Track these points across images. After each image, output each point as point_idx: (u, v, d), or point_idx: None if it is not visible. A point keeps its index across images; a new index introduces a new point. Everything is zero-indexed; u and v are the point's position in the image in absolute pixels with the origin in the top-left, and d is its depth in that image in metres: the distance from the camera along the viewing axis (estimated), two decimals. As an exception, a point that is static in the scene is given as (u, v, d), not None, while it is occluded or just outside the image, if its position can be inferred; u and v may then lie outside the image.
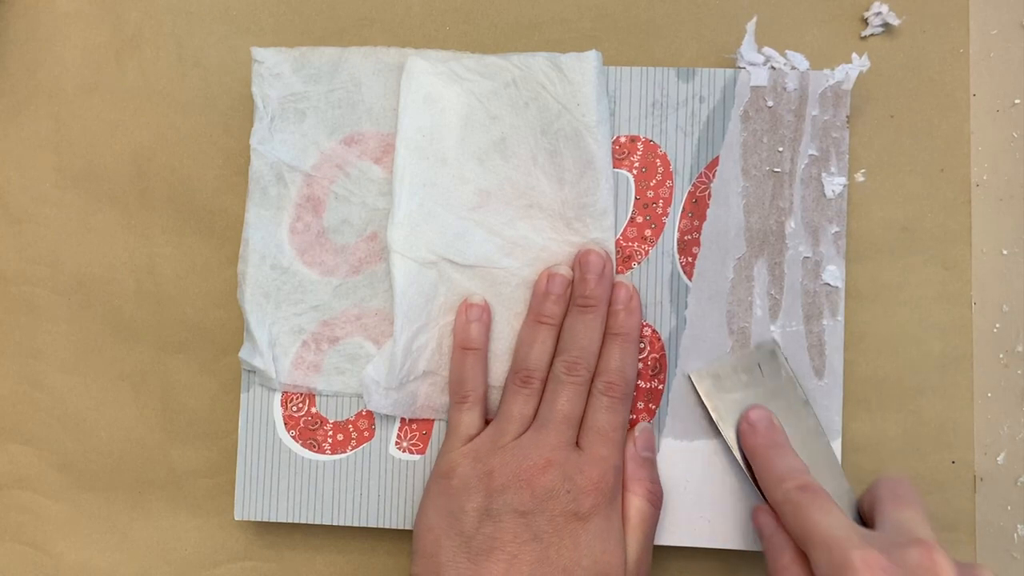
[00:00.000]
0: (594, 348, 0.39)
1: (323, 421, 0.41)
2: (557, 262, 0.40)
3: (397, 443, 0.41)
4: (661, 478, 0.40)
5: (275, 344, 0.41)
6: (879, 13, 0.41)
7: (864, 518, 0.37)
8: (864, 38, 0.42)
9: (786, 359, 0.39)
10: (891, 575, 0.31)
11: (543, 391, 0.39)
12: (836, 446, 0.39)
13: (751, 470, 0.38)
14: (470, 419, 0.39)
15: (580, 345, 0.38)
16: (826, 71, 0.40)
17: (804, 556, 0.35)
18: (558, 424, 0.37)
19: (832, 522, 0.34)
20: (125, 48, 0.44)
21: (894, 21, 0.41)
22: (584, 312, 0.39)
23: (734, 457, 0.39)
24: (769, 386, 0.39)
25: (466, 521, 0.36)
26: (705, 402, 0.39)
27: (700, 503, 0.40)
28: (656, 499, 0.39)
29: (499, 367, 0.40)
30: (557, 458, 0.36)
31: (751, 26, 0.41)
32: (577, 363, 0.38)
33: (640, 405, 0.40)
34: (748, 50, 0.41)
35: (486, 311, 0.40)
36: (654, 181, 0.41)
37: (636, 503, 0.38)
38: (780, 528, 0.36)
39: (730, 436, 0.39)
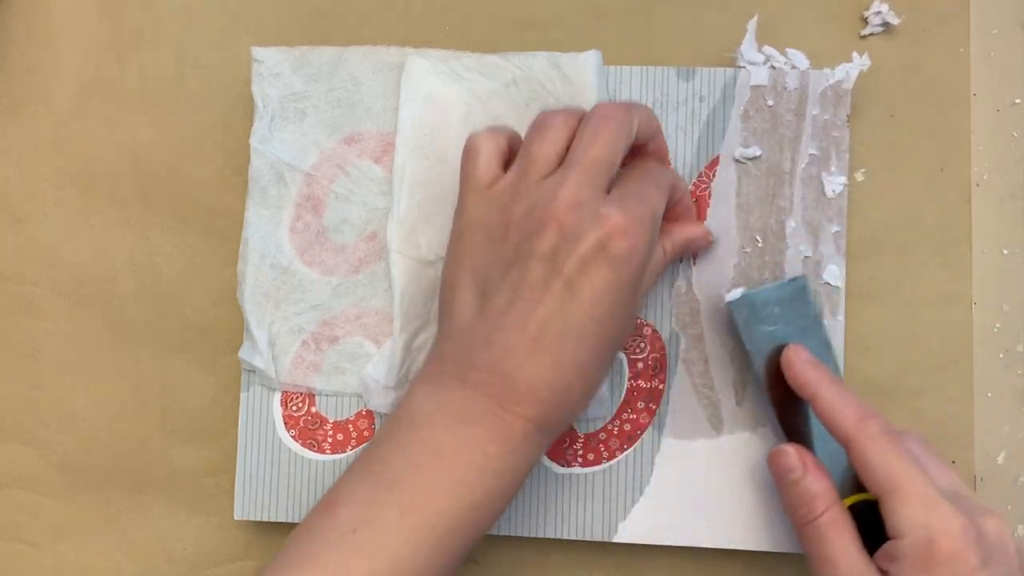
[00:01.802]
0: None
1: (323, 421, 0.41)
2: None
3: (397, 443, 0.41)
4: (661, 478, 0.40)
5: (275, 343, 0.41)
6: (879, 12, 0.41)
7: None
8: (864, 37, 0.42)
9: (815, 296, 0.39)
10: (980, 546, 0.31)
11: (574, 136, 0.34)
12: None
13: (780, 406, 0.37)
14: (486, 167, 0.35)
15: (614, 103, 0.35)
16: (826, 70, 0.40)
17: (840, 504, 0.34)
18: (586, 164, 0.33)
19: (922, 478, 0.32)
20: (125, 48, 0.44)
21: (894, 20, 0.41)
22: None
23: (733, 456, 0.39)
24: (799, 323, 0.38)
25: (491, 277, 0.33)
26: (741, 331, 0.38)
27: (700, 503, 0.40)
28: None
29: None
30: (586, 199, 0.32)
31: (751, 25, 0.41)
32: (613, 108, 0.34)
33: (640, 405, 0.40)
34: (748, 49, 0.41)
35: None
36: (654, 180, 0.41)
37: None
38: (816, 472, 0.34)
39: (760, 369, 0.38)
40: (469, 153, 0.35)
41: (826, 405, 0.35)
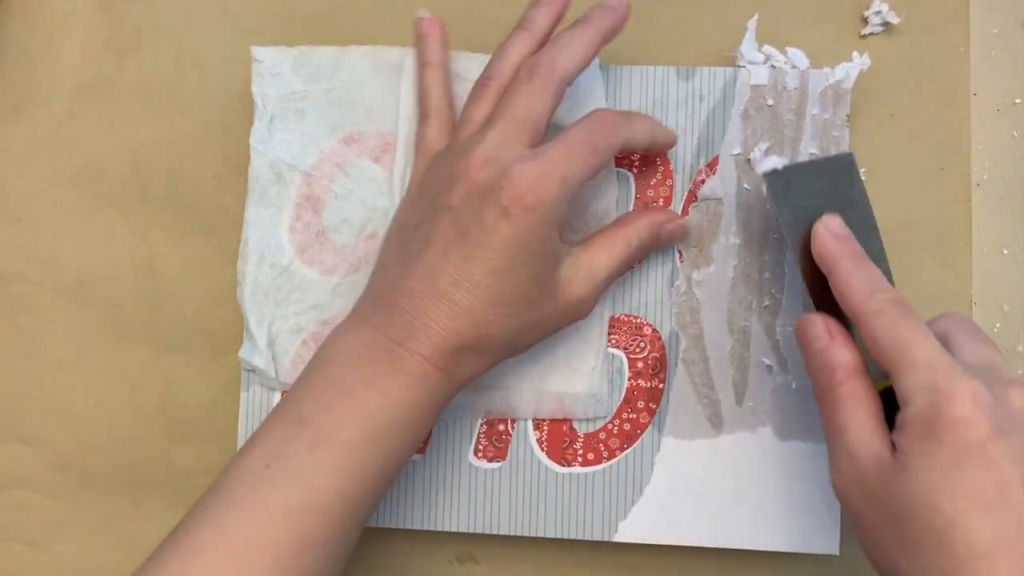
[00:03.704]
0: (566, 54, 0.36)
1: (323, 420, 0.41)
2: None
3: (397, 442, 0.41)
4: (661, 478, 0.40)
5: (275, 343, 0.41)
6: (879, 12, 0.41)
7: None
8: (864, 37, 0.42)
9: (860, 174, 0.37)
10: (996, 414, 0.29)
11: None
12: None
13: (814, 284, 0.35)
14: (434, 135, 0.39)
15: (548, 52, 0.36)
16: (826, 70, 0.40)
17: (865, 375, 0.33)
18: (507, 121, 0.35)
19: (932, 344, 0.31)
20: (125, 48, 0.44)
21: (894, 20, 0.41)
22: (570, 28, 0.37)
23: (733, 456, 0.39)
24: (841, 200, 0.36)
25: (408, 228, 0.36)
26: (773, 205, 0.36)
27: (700, 503, 0.40)
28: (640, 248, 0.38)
29: (501, 368, 0.40)
30: (499, 156, 0.34)
31: (752, 24, 0.41)
32: (538, 65, 0.35)
33: (640, 405, 0.40)
34: (748, 49, 0.41)
35: (437, 24, 0.40)
36: (654, 180, 0.41)
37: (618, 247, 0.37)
38: (841, 340, 0.33)
39: (794, 245, 0.36)
40: (423, 121, 0.39)
41: (838, 280, 0.34)
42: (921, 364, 0.30)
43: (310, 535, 0.32)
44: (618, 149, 0.36)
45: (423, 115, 0.39)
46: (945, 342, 0.33)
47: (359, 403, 0.33)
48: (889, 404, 0.32)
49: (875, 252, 0.36)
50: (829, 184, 0.36)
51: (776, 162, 0.37)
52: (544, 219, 0.34)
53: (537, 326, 0.36)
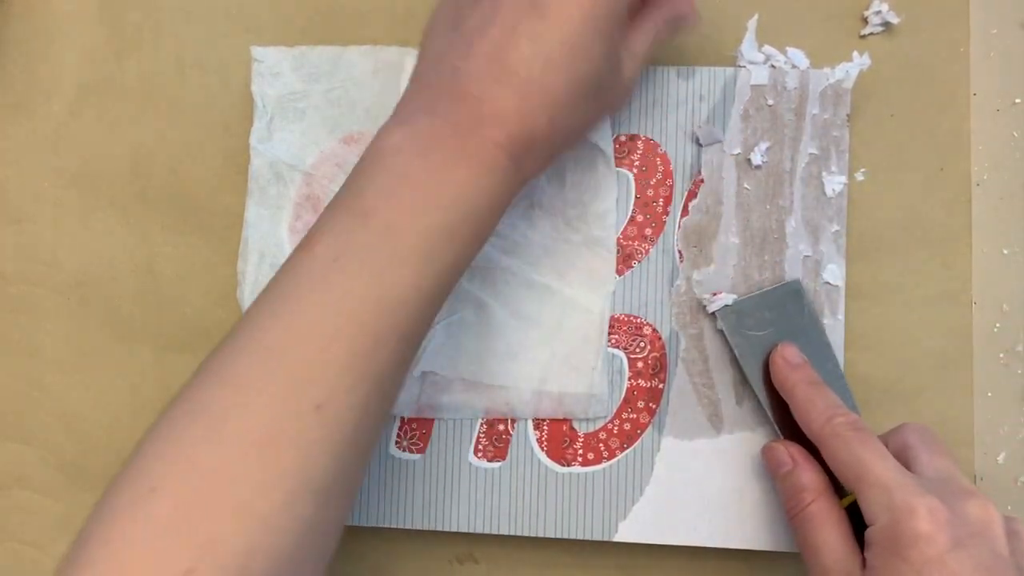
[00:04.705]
0: None
1: (323, 420, 0.41)
2: (556, 262, 0.40)
3: (397, 442, 0.41)
4: (661, 478, 0.40)
5: (275, 343, 0.41)
6: (879, 12, 0.41)
7: None
8: (864, 37, 0.42)
9: (810, 299, 0.39)
10: (954, 527, 0.31)
11: None
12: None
13: (776, 407, 0.38)
14: None
15: None
16: (826, 69, 0.40)
17: (830, 495, 0.35)
18: None
19: (889, 465, 0.33)
20: (125, 48, 0.44)
21: (894, 20, 0.41)
22: None
23: (733, 455, 0.39)
24: (793, 325, 0.39)
25: (464, 5, 0.33)
26: (728, 339, 0.39)
27: (700, 503, 0.40)
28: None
29: (501, 368, 0.40)
30: None
31: (752, 24, 0.41)
32: None
33: (640, 404, 0.40)
34: (748, 48, 0.41)
35: None
36: (654, 180, 0.41)
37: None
38: (804, 465, 0.35)
39: (753, 374, 0.39)
40: None
41: (797, 407, 0.36)
42: (879, 484, 0.32)
43: (385, 329, 0.29)
44: None
45: None
46: (904, 453, 0.35)
47: (430, 193, 0.30)
48: (859, 517, 0.34)
49: (831, 372, 0.38)
50: (779, 313, 0.39)
51: (726, 299, 0.39)
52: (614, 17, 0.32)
53: (597, 114, 0.35)
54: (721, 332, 0.40)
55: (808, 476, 0.35)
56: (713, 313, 0.40)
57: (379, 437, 0.31)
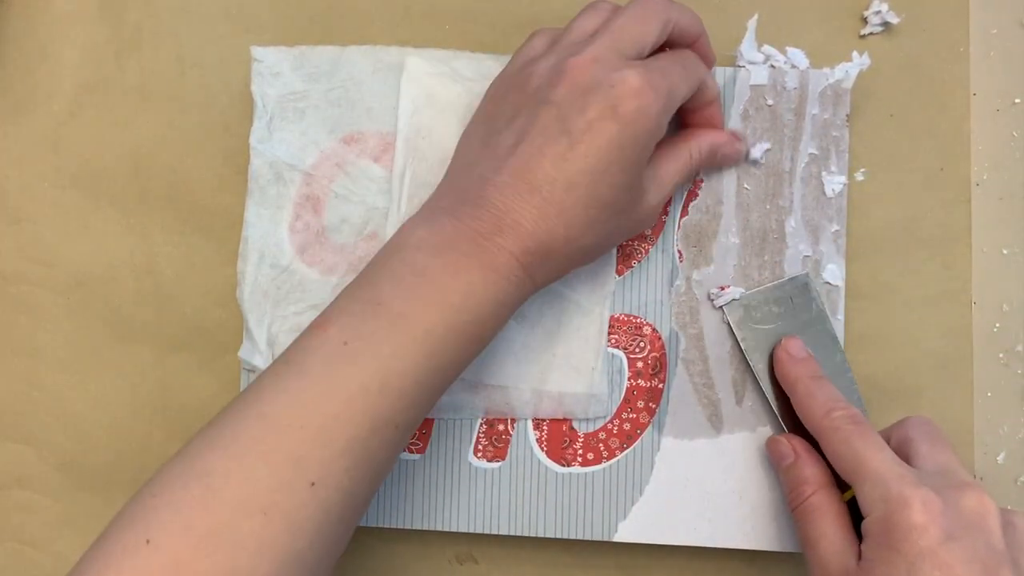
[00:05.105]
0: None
1: (323, 420, 0.41)
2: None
3: (397, 442, 0.41)
4: (661, 478, 0.40)
5: (274, 343, 0.41)
6: (879, 12, 0.41)
7: None
8: (864, 37, 0.42)
9: (818, 293, 0.39)
10: (948, 518, 0.31)
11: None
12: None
13: (780, 401, 0.39)
14: (539, 43, 0.37)
15: None
16: (826, 70, 0.40)
17: (830, 488, 0.35)
18: (617, 33, 0.34)
19: (886, 457, 0.33)
20: (125, 48, 0.44)
21: (894, 20, 0.41)
22: None
23: (733, 455, 0.39)
24: (800, 319, 0.39)
25: (500, 121, 0.35)
26: (735, 333, 0.39)
27: (700, 503, 0.40)
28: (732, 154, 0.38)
29: (501, 368, 0.40)
30: (608, 57, 0.34)
31: (751, 24, 0.41)
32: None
33: (640, 404, 0.40)
34: (748, 48, 0.41)
35: None
36: (654, 180, 0.41)
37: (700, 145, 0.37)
38: (805, 458, 0.36)
39: (759, 367, 0.39)
40: (529, 39, 0.38)
41: (798, 400, 0.37)
42: (875, 476, 0.33)
43: (384, 417, 0.31)
44: (699, 79, 0.37)
45: (532, 35, 0.38)
46: (905, 446, 0.35)
47: (442, 292, 0.32)
48: (860, 511, 0.34)
49: (838, 365, 0.39)
50: (787, 307, 0.39)
51: (734, 292, 0.39)
52: (648, 127, 0.33)
53: (617, 235, 0.36)
54: (727, 326, 0.40)
55: (810, 469, 0.36)
56: (720, 308, 0.40)
57: (364, 514, 0.33)
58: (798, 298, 0.39)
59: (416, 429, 0.34)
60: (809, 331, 0.39)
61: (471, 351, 0.33)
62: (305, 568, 0.30)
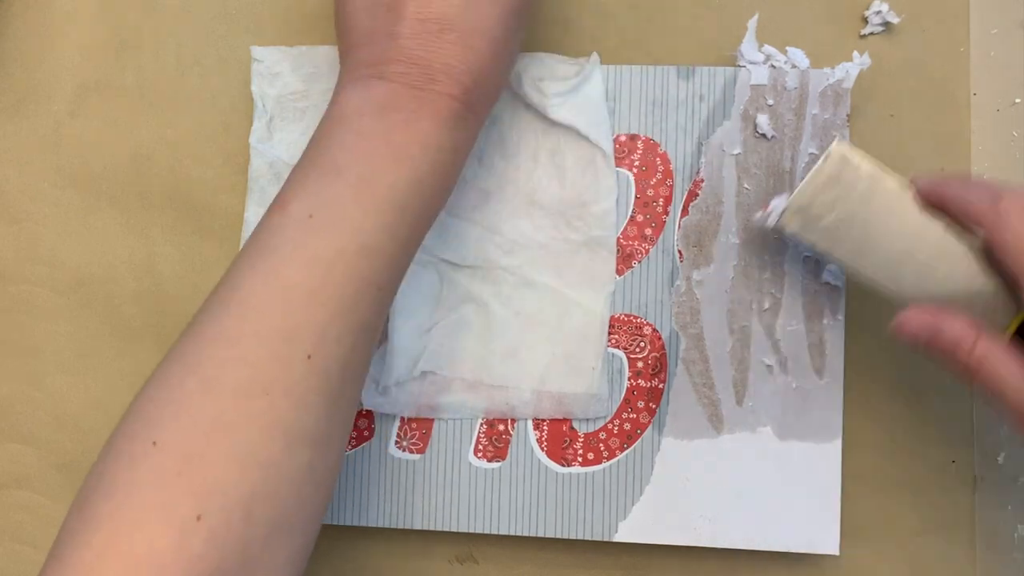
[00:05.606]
0: None
1: (323, 420, 0.41)
2: (556, 262, 0.40)
3: (397, 442, 0.41)
4: (661, 478, 0.40)
5: (275, 343, 0.41)
6: (879, 12, 0.41)
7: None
8: (864, 36, 0.42)
9: (861, 159, 0.36)
10: None
11: None
12: (836, 445, 0.39)
13: (894, 273, 0.35)
14: None
15: None
16: (826, 69, 0.40)
17: (988, 333, 0.32)
18: None
19: None
20: (125, 48, 0.44)
21: (894, 20, 0.41)
22: None
23: (733, 455, 0.39)
24: (859, 190, 0.36)
25: None
26: (804, 240, 0.36)
27: (700, 503, 0.40)
28: None
29: (500, 367, 0.40)
30: None
31: (752, 24, 0.41)
32: None
33: (640, 404, 0.40)
34: (748, 48, 0.41)
35: None
36: (654, 180, 0.41)
37: None
38: (944, 317, 0.33)
39: (850, 257, 0.36)
40: None
41: (953, 200, 0.34)
42: None
43: (366, 279, 0.31)
44: None
45: None
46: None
47: (397, 148, 0.32)
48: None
49: (918, 207, 0.35)
50: (838, 188, 0.36)
51: (781, 203, 0.36)
52: None
53: (525, 12, 0.35)
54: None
55: (957, 324, 0.33)
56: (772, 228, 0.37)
57: (363, 385, 0.33)
58: (846, 173, 0.36)
59: (397, 289, 0.33)
60: (875, 198, 0.35)
61: (437, 199, 0.34)
62: (315, 440, 0.30)
